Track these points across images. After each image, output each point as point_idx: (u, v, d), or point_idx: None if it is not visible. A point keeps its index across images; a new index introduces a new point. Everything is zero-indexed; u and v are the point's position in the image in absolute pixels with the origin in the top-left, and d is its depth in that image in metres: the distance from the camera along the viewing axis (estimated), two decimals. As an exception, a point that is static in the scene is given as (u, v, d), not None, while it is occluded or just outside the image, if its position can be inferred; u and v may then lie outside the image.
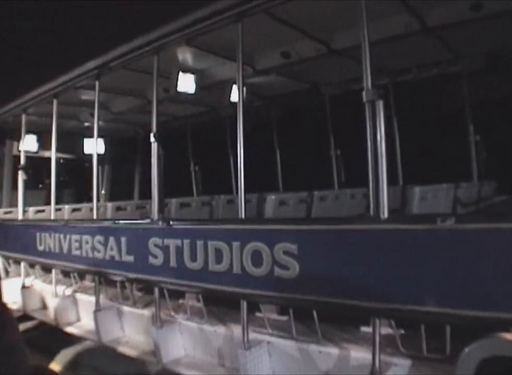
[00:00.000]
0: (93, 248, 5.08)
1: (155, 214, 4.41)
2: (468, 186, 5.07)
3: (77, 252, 5.39)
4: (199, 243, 3.92)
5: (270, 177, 6.90)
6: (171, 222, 4.27)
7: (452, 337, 2.91)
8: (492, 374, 2.65)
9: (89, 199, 5.45)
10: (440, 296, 2.77)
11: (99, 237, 5.00)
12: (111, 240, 4.82)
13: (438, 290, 2.78)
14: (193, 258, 3.97)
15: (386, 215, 2.98)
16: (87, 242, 5.20)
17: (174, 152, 8.22)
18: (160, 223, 4.33)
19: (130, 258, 4.63)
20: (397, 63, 5.32)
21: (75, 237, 5.43)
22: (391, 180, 5.38)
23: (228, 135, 6.94)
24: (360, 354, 3.36)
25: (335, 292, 3.22)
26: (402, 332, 3.56)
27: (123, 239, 4.69)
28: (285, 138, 6.99)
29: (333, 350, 3.50)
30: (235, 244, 3.66)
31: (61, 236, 5.67)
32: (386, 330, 3.37)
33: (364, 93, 3.08)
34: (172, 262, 4.16)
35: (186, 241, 4.03)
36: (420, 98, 6.59)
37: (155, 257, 4.31)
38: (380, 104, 3.03)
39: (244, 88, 5.12)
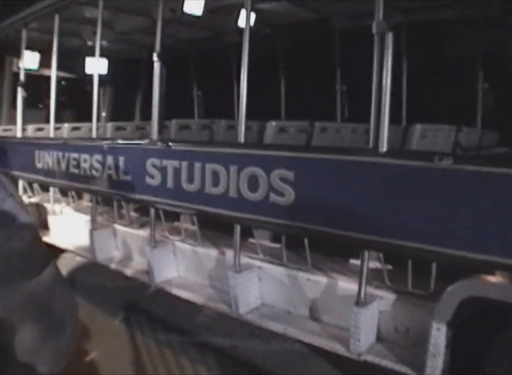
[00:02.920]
0: (91, 167, 5.10)
1: (154, 134, 4.40)
2: (471, 132, 5.04)
3: (75, 171, 5.41)
4: (197, 165, 3.93)
5: (273, 106, 6.85)
6: (170, 143, 4.27)
7: (439, 277, 2.97)
8: (470, 314, 2.75)
9: (90, 120, 5.40)
10: (431, 234, 2.81)
11: (97, 156, 5.01)
12: (109, 159, 4.83)
13: (430, 228, 2.82)
14: (190, 179, 4.00)
15: (384, 149, 2.98)
16: (85, 161, 5.21)
17: (177, 75, 8.12)
18: (159, 144, 4.33)
19: (128, 178, 4.66)
20: (411, 1, 5.15)
21: (73, 155, 5.43)
22: (395, 120, 5.39)
23: (233, 62, 6.79)
24: (346, 285, 3.44)
25: (327, 222, 3.27)
26: (390, 267, 3.65)
27: (121, 159, 4.70)
28: (291, 69, 6.88)
29: (322, 279, 3.59)
30: (233, 168, 3.67)
31: (60, 154, 5.67)
32: (374, 264, 3.44)
33: (374, 24, 2.99)
34: (169, 183, 4.19)
35: (184, 163, 4.04)
36: (432, 40, 6.42)
37: (152, 177, 4.33)
38: (389, 37, 2.95)
39: (253, 15, 5.02)
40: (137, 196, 4.61)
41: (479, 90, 5.60)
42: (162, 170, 4.24)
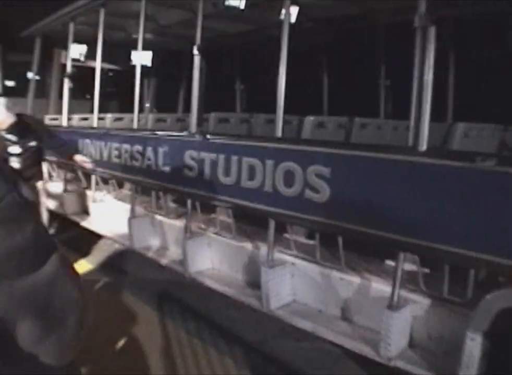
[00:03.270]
0: (131, 157, 5.16)
1: (193, 127, 4.40)
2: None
3: (116, 160, 5.49)
4: (234, 158, 3.92)
5: (316, 102, 6.75)
6: (208, 136, 4.27)
7: (479, 284, 2.86)
8: (509, 325, 2.62)
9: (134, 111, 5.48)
10: (471, 239, 2.69)
11: (137, 147, 5.06)
12: (149, 150, 4.88)
13: (469, 232, 2.70)
14: (227, 173, 3.99)
15: (424, 147, 2.88)
16: (126, 151, 5.28)
17: (221, 69, 8.12)
18: (197, 136, 4.33)
19: (166, 169, 4.69)
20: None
21: (115, 145, 5.52)
22: (440, 118, 5.21)
23: (276, 56, 6.74)
24: (380, 286, 3.36)
25: (362, 221, 3.19)
26: (426, 270, 3.54)
27: (160, 150, 4.73)
28: (334, 63, 6.77)
29: (355, 279, 3.52)
30: (269, 162, 3.63)
31: (102, 144, 5.78)
32: (410, 267, 3.35)
33: (416, 18, 2.89)
34: (206, 176, 4.19)
35: (221, 156, 4.04)
36: (483, 34, 6.17)
37: (190, 169, 4.35)
38: (432, 31, 2.84)
39: (296, 8, 4.95)
40: (175, 187, 4.64)
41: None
42: (200, 162, 4.25)
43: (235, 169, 3.93)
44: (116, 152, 5.50)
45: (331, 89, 6.77)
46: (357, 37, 6.35)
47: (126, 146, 5.29)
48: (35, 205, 1.01)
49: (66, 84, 6.66)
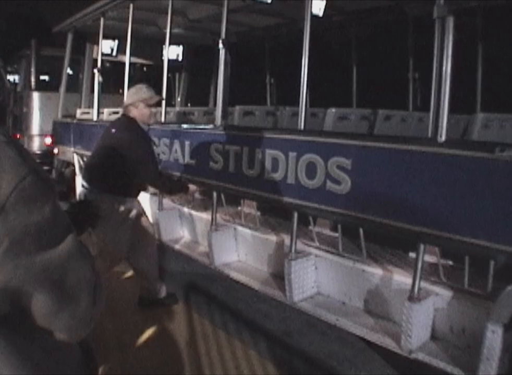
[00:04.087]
0: (159, 150, 5.23)
1: (218, 120, 4.45)
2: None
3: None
4: (258, 151, 3.94)
5: (345, 94, 6.71)
6: (231, 129, 4.30)
7: (504, 276, 2.81)
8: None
9: (166, 105, 5.54)
10: (491, 230, 2.65)
11: (165, 140, 5.13)
12: (176, 143, 4.94)
13: (490, 224, 2.66)
14: (251, 165, 4.02)
15: (443, 138, 2.85)
16: (154, 144, 5.35)
17: (252, 63, 8.14)
18: (222, 129, 4.37)
19: (192, 162, 4.75)
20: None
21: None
22: (468, 109, 5.12)
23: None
24: (403, 279, 3.33)
25: (384, 212, 3.17)
26: (450, 262, 3.50)
27: (187, 143, 4.79)
28: (363, 56, 6.72)
29: (377, 271, 3.50)
30: (292, 154, 3.65)
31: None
32: (432, 258, 3.32)
33: (435, 8, 2.85)
34: (231, 168, 4.23)
35: (245, 149, 4.07)
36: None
37: (215, 162, 4.39)
38: (450, 21, 2.80)
39: (324, 1, 4.93)
40: (201, 179, 4.70)
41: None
42: (225, 155, 4.29)
43: (258, 161, 3.96)
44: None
45: (360, 83, 6.73)
46: (386, 29, 6.28)
47: (154, 139, 5.36)
48: (53, 188, 1.04)
49: (97, 78, 6.78)
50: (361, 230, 3.45)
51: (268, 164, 3.87)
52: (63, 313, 0.99)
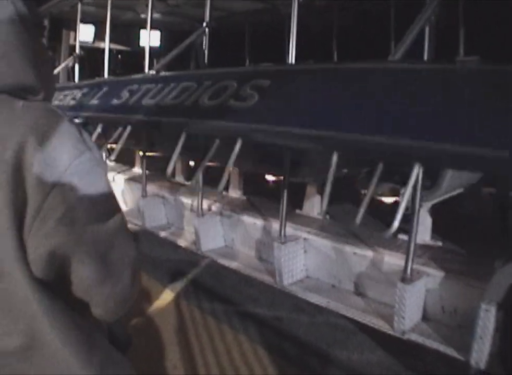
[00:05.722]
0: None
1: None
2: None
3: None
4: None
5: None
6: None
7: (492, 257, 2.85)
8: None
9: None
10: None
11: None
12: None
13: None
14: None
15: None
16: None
17: (231, 48, 8.06)
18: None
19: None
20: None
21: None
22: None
23: (286, 34, 6.70)
24: (394, 260, 3.37)
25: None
26: (438, 243, 3.54)
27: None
28: (345, 41, 6.69)
29: (368, 253, 3.53)
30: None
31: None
32: (423, 240, 3.35)
33: None
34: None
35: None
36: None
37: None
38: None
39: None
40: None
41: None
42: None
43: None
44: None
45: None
46: (368, 14, 6.25)
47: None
48: (106, 167, 1.14)
49: (74, 65, 6.65)
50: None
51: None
52: (105, 287, 1.02)
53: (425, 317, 3.17)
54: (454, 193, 3.59)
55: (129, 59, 9.20)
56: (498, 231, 3.92)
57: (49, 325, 0.99)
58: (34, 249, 0.95)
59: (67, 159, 0.96)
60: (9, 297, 0.98)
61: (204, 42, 4.38)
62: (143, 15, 7.42)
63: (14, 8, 1.04)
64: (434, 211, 3.63)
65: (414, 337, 3.02)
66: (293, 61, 3.66)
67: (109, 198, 1.06)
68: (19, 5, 1.05)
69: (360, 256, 3.56)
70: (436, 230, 3.66)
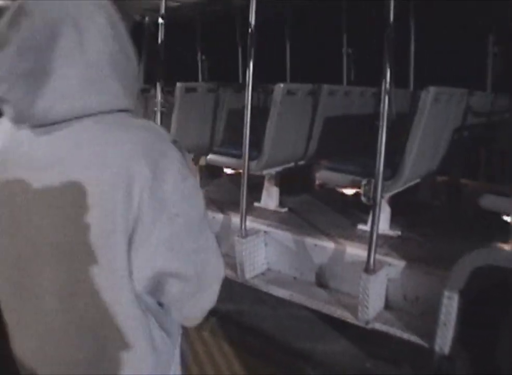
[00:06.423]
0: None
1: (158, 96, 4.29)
2: (482, 96, 4.90)
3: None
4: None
5: (279, 70, 6.71)
6: None
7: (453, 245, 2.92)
8: (485, 282, 2.70)
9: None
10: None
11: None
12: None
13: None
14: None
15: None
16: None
17: (181, 40, 7.92)
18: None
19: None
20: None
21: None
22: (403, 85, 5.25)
23: (237, 25, 6.64)
24: (355, 251, 3.40)
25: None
26: (398, 233, 3.61)
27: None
28: (297, 33, 6.69)
29: (329, 245, 3.54)
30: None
31: None
32: (382, 230, 3.39)
33: None
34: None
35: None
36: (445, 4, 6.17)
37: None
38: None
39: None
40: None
41: (489, 53, 5.43)
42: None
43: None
44: None
45: (294, 59, 6.72)
46: (321, 5, 6.25)
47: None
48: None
49: None
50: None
51: None
52: (195, 300, 1.12)
53: (387, 306, 3.21)
54: (412, 183, 3.66)
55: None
56: (454, 219, 4.05)
57: (134, 335, 1.04)
58: (139, 270, 1.00)
59: (173, 183, 1.00)
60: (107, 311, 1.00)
61: (160, 34, 4.25)
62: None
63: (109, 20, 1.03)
64: (391, 201, 3.68)
65: (378, 326, 3.06)
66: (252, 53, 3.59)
67: (206, 220, 1.13)
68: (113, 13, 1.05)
69: (321, 248, 3.57)
70: (395, 220, 3.73)
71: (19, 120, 0.97)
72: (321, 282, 3.62)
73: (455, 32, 6.02)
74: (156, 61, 4.37)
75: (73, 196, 0.94)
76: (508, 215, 2.81)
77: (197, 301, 1.13)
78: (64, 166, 0.95)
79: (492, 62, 5.45)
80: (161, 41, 4.25)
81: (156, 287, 1.05)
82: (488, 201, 2.89)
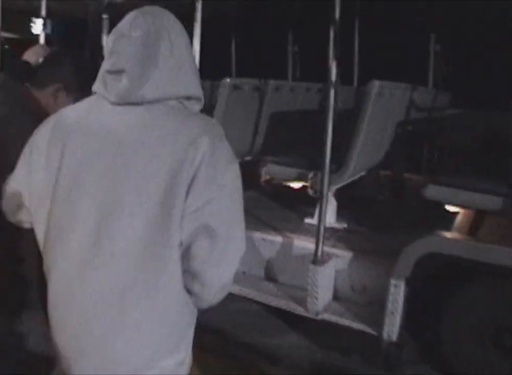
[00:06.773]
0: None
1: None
2: (424, 91, 5.04)
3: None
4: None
5: (225, 66, 6.70)
6: None
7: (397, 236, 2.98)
8: (429, 270, 2.77)
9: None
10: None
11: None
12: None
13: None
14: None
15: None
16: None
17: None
18: None
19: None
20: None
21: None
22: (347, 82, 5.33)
23: (184, 20, 6.56)
24: (302, 244, 3.41)
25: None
26: (344, 225, 3.65)
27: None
28: (244, 29, 6.70)
29: (277, 239, 3.55)
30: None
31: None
32: (329, 223, 3.43)
33: None
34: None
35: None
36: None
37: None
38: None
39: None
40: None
41: (431, 51, 5.59)
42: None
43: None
44: None
45: (239, 55, 6.72)
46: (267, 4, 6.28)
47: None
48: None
49: None
50: None
51: None
52: (217, 269, 1.23)
53: (336, 297, 3.24)
54: (357, 176, 3.71)
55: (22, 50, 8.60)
56: (398, 212, 4.14)
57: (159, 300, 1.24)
58: (187, 228, 1.18)
59: (225, 162, 1.22)
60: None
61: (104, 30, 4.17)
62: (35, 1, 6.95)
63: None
64: (337, 195, 3.73)
65: (327, 316, 3.08)
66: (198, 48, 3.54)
67: (242, 204, 1.30)
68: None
69: (269, 242, 3.56)
70: (341, 214, 3.78)
71: (123, 95, 1.21)
72: (270, 276, 3.61)
73: (398, 31, 6.17)
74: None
75: (153, 167, 1.18)
76: (450, 204, 2.90)
77: (218, 269, 1.23)
78: (148, 137, 1.21)
79: (434, 60, 5.62)
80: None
81: (187, 251, 1.20)
82: (432, 191, 2.98)
